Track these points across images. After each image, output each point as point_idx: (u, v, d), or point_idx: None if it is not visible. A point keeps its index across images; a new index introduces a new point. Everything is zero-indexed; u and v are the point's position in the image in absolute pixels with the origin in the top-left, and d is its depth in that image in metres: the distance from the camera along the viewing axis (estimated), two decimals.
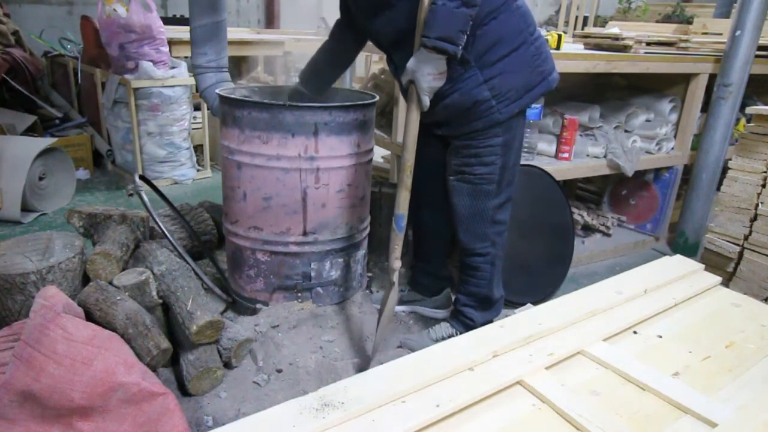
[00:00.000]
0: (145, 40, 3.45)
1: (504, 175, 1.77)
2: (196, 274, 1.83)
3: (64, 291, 1.63)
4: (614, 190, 3.31)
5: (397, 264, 1.71)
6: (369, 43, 1.96)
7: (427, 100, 1.57)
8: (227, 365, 1.73)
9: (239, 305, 1.99)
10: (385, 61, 1.86)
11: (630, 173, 2.68)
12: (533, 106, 2.28)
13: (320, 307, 1.96)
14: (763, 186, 2.23)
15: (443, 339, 1.93)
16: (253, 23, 7.11)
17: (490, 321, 1.87)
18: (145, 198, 1.87)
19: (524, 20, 1.65)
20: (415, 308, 2.20)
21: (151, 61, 3.49)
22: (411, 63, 1.54)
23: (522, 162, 1.97)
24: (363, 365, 1.77)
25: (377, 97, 1.96)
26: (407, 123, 1.60)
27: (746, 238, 2.29)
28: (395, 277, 1.72)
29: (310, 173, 1.80)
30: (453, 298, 2.12)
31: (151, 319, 1.62)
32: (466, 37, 1.50)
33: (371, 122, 1.95)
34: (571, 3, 5.70)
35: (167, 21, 4.47)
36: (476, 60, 1.60)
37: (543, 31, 2.13)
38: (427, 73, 1.52)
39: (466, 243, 1.86)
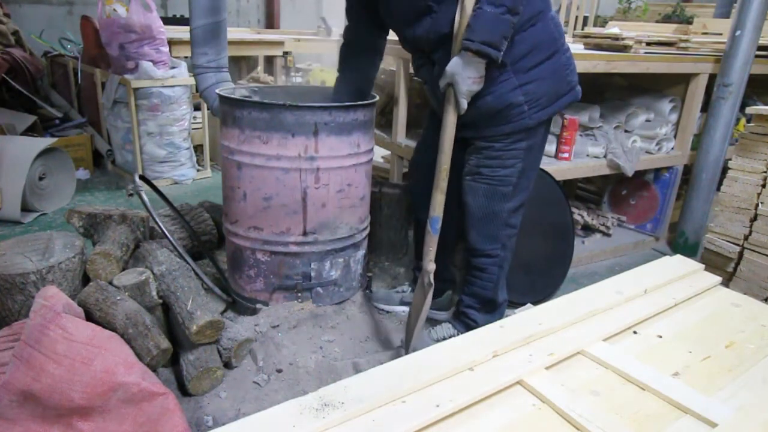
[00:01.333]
0: (145, 40, 3.45)
1: (522, 178, 1.77)
2: (196, 274, 1.83)
3: (64, 291, 1.63)
4: (614, 190, 3.30)
5: (431, 266, 1.72)
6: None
7: (465, 104, 1.57)
8: (227, 365, 1.73)
9: (239, 305, 1.99)
10: (413, 65, 1.85)
11: (630, 173, 2.68)
12: None
13: (320, 307, 1.96)
14: (763, 186, 2.23)
15: (444, 340, 1.93)
16: (253, 23, 7.11)
17: None
18: (145, 198, 1.87)
19: (558, 30, 1.67)
20: None
21: (151, 61, 3.49)
22: (451, 66, 1.55)
23: None
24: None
25: (377, 97, 1.96)
26: (444, 126, 1.61)
27: (746, 238, 2.29)
28: (431, 278, 1.72)
29: (310, 173, 1.80)
30: (455, 299, 2.12)
31: (151, 319, 1.62)
32: (507, 42, 1.51)
33: (371, 122, 1.95)
34: (571, 3, 5.69)
35: (167, 21, 4.47)
36: (512, 64, 1.61)
37: None
38: (467, 77, 1.53)
39: (475, 244, 1.86)
